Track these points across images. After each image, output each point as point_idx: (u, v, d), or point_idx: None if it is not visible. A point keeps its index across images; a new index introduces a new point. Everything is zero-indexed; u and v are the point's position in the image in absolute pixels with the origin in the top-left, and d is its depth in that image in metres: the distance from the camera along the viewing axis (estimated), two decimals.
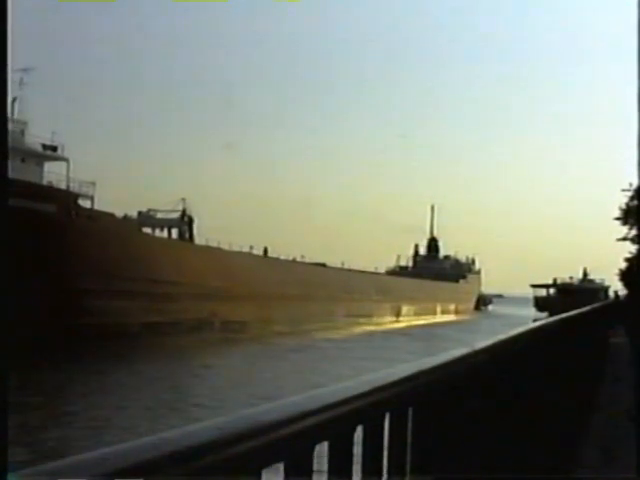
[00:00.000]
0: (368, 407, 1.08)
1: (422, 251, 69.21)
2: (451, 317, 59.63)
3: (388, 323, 46.05)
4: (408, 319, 50.83)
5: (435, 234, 70.36)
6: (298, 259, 42.93)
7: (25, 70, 28.00)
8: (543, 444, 2.63)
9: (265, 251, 39.63)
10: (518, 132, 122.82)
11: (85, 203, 28.39)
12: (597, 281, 58.90)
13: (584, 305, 6.64)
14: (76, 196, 27.85)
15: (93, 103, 61.73)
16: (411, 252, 68.27)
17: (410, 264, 65.90)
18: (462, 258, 71.31)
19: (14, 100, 27.78)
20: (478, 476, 1.59)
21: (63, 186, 27.87)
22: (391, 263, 63.88)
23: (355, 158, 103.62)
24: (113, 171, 60.34)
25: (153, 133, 69.17)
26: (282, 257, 40.50)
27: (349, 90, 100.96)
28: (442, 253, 70.27)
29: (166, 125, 72.05)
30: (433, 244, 70.04)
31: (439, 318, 56.91)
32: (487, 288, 79.83)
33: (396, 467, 1.22)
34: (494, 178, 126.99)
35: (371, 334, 36.15)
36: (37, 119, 28.08)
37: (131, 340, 24.79)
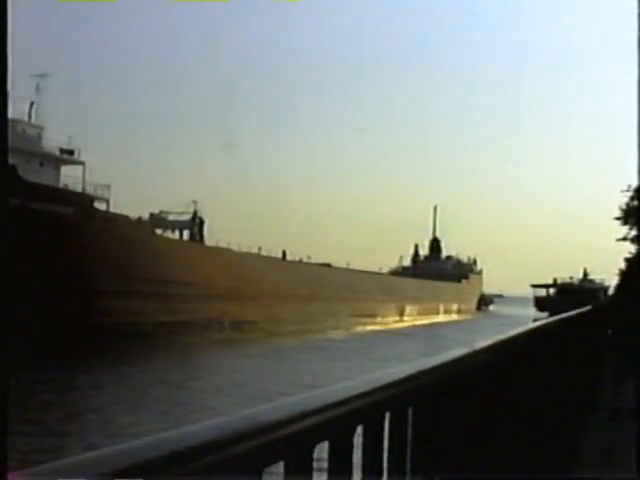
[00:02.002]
0: (368, 407, 1.06)
1: (422, 251, 68.99)
2: (453, 317, 59.39)
3: (392, 323, 45.94)
4: (412, 319, 50.69)
5: (437, 234, 70.21)
6: (305, 260, 42.99)
7: (41, 76, 28.26)
8: (543, 444, 2.59)
9: (284, 254, 40.00)
10: (518, 133, 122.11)
11: (100, 206, 28.55)
12: (597, 281, 58.31)
13: (584, 305, 6.55)
14: (92, 199, 28.02)
15: (97, 105, 61.85)
16: (413, 252, 67.97)
17: (409, 264, 65.62)
18: (464, 258, 71.05)
19: (31, 105, 28.04)
20: (478, 476, 1.56)
21: (79, 189, 28.05)
22: (394, 263, 63.76)
23: (357, 158, 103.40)
24: (123, 173, 60.50)
25: (157, 134, 69.25)
26: (289, 258, 40.59)
27: (353, 89, 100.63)
28: (444, 253, 70.04)
29: (168, 126, 72.12)
30: (435, 244, 69.75)
31: (442, 318, 56.71)
32: (487, 288, 79.37)
33: (396, 467, 1.20)
34: (494, 179, 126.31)
35: (375, 334, 36.06)
36: (48, 123, 28.25)
37: (144, 340, 24.87)
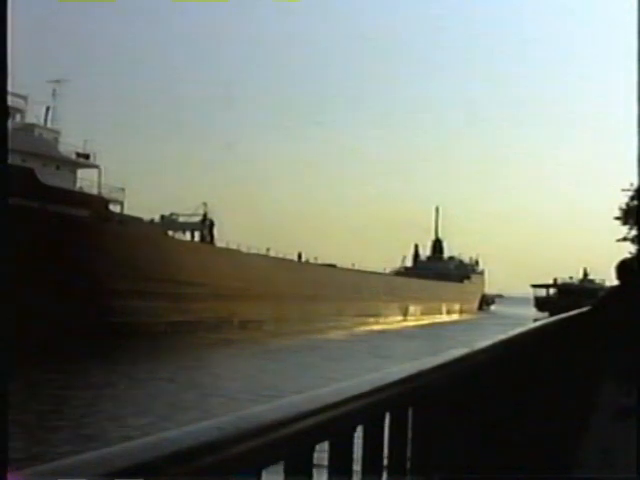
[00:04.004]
0: (368, 407, 1.04)
1: (422, 251, 68.68)
2: (456, 317, 59.10)
3: (396, 322, 45.81)
4: (415, 318, 50.54)
5: (440, 235, 69.93)
6: (312, 261, 42.99)
7: (57, 81, 28.45)
8: (543, 444, 2.55)
9: (299, 256, 40.29)
10: (518, 133, 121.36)
11: (115, 208, 28.68)
12: (597, 281, 57.70)
13: (584, 305, 6.47)
14: (107, 201, 28.15)
15: (107, 110, 61.76)
16: (413, 252, 67.54)
17: (411, 264, 65.31)
18: (466, 259, 70.69)
19: (47, 110, 28.24)
20: (478, 476, 1.53)
21: (95, 192, 28.19)
22: (397, 264, 63.48)
23: (359, 159, 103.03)
24: (133, 176, 60.57)
25: (165, 137, 69.28)
26: (293, 258, 40.65)
27: (353, 89, 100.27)
28: (447, 254, 69.74)
29: (175, 128, 72.05)
30: (438, 245, 69.48)
31: (444, 318, 56.47)
32: (488, 288, 78.72)
33: (396, 467, 1.17)
34: (494, 179, 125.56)
35: (379, 333, 35.94)
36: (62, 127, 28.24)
37: (157, 338, 24.94)
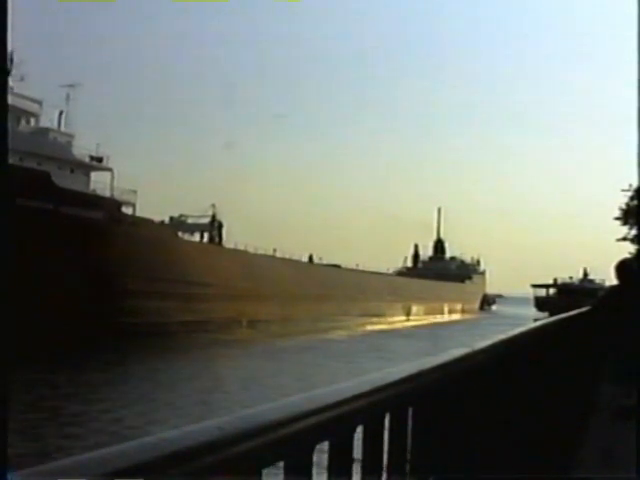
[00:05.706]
0: (368, 407, 1.02)
1: (423, 251, 68.41)
2: (458, 317, 58.84)
3: (399, 322, 45.68)
4: (418, 318, 50.39)
5: (441, 235, 69.66)
6: (317, 261, 42.98)
7: (70, 86, 28.64)
8: (543, 444, 2.52)
9: (310, 258, 40.37)
10: (519, 134, 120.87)
11: (127, 210, 28.79)
12: (597, 281, 57.22)
13: (584, 305, 6.39)
14: (120, 203, 28.27)
15: (117, 114, 61.75)
16: (412, 253, 67.21)
17: (412, 265, 65.01)
18: (467, 259, 70.38)
19: (60, 114, 28.41)
20: (478, 476, 1.51)
21: (107, 194, 28.30)
22: (398, 264, 63.23)
23: (361, 160, 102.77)
24: (142, 178, 60.83)
25: (166, 139, 69.48)
26: (300, 259, 40.69)
27: (355, 90, 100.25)
28: (448, 254, 69.45)
29: (177, 129, 72.05)
30: (440, 245, 69.24)
31: (446, 317, 56.27)
32: (488, 288, 78.23)
33: (396, 467, 1.16)
34: (495, 179, 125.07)
35: (384, 333, 35.84)
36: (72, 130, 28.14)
37: (169, 338, 24.96)
